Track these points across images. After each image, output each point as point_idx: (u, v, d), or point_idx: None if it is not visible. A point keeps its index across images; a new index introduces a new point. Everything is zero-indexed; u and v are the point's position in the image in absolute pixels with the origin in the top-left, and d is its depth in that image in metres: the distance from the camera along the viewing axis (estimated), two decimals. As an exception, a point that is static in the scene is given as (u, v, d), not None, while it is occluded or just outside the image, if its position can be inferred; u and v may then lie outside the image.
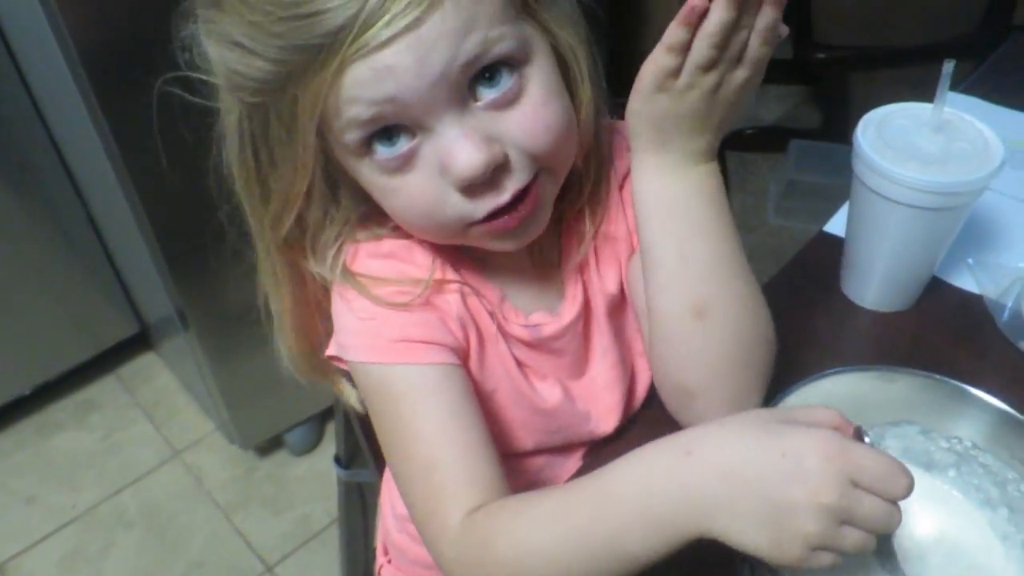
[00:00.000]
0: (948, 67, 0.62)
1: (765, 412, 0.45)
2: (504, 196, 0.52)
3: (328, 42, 0.46)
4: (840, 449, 0.40)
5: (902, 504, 0.42)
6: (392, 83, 0.47)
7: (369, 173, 0.52)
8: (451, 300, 0.59)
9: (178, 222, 1.20)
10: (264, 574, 1.43)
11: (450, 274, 0.60)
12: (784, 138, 2.11)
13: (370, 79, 0.47)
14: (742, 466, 0.41)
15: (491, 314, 0.61)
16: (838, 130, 2.06)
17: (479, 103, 0.50)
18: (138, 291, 1.58)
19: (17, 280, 1.48)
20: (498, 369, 0.62)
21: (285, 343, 0.64)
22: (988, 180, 0.65)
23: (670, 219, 0.55)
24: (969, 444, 0.55)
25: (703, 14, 0.47)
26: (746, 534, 0.41)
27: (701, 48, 0.48)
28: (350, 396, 0.64)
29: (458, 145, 0.49)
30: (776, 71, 2.60)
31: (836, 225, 0.83)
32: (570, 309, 0.64)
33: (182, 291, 1.27)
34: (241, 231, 0.60)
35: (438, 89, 0.48)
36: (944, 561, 0.55)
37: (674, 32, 0.48)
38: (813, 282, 0.79)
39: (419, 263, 0.59)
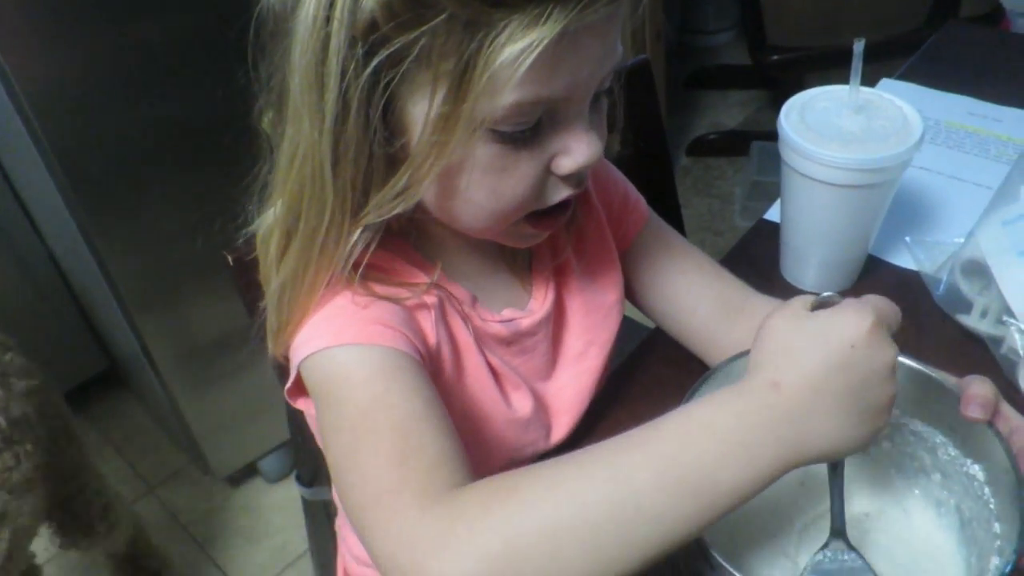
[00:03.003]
0: (859, 46, 0.64)
1: (792, 315, 0.45)
2: (571, 191, 0.53)
3: None
4: (873, 319, 0.43)
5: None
6: (586, 68, 0.46)
7: (484, 146, 0.48)
8: (431, 306, 0.56)
9: (138, 253, 1.20)
10: (243, 605, 1.41)
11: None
12: (747, 142, 2.13)
13: (572, 59, 0.45)
14: (827, 379, 0.42)
15: (465, 320, 0.59)
16: (798, 131, 2.09)
17: (595, 105, 0.51)
18: (104, 328, 1.58)
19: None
20: (474, 382, 0.60)
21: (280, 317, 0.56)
22: (908, 156, 0.66)
23: None
24: (898, 412, 0.55)
25: None
26: (842, 436, 0.42)
27: None
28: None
29: (587, 136, 0.50)
30: (737, 77, 2.62)
31: (774, 213, 0.84)
32: (540, 306, 0.63)
33: (144, 327, 1.27)
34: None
35: (596, 82, 0.48)
36: (884, 536, 0.55)
37: None
38: (755, 269, 0.79)
39: (408, 273, 0.57)
